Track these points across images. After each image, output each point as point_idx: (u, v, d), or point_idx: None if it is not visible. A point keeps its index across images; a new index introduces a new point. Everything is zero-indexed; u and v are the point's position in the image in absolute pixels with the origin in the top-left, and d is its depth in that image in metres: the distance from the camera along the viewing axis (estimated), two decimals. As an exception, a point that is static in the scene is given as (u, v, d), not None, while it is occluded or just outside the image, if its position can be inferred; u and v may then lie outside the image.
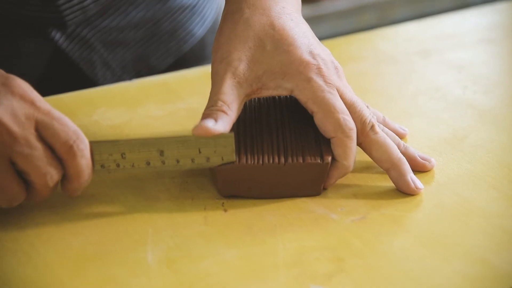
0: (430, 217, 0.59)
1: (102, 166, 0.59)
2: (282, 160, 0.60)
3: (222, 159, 0.60)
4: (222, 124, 0.59)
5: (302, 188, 0.61)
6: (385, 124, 0.67)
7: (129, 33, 0.82)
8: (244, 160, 0.60)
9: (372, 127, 0.62)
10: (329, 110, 0.60)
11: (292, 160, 0.60)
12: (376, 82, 0.83)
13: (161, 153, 0.59)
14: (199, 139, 0.59)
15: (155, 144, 0.59)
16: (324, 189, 0.62)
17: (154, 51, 0.85)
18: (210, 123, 0.59)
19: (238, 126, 0.63)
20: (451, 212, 0.59)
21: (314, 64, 0.62)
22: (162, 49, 0.85)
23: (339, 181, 0.63)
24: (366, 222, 0.59)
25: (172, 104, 0.76)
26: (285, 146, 0.61)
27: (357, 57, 0.88)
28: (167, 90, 0.79)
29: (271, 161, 0.60)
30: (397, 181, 0.62)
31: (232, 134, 0.59)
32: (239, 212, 0.60)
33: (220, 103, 0.60)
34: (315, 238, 0.57)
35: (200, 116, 0.60)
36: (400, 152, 0.63)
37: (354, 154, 0.61)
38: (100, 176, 0.61)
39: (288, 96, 0.68)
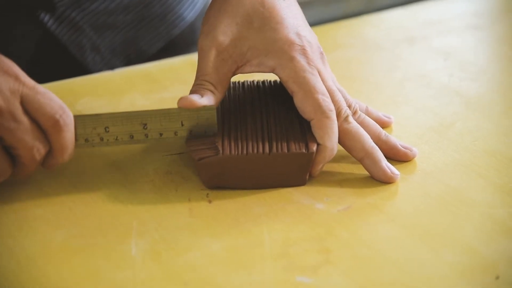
0: (417, 207, 0.59)
1: (86, 140, 0.59)
2: (267, 149, 0.60)
3: (205, 132, 0.60)
4: (207, 100, 0.60)
5: (287, 178, 0.60)
6: (368, 113, 0.67)
7: (119, 17, 0.82)
8: (228, 151, 0.59)
9: (346, 117, 0.62)
10: (309, 90, 0.60)
11: (277, 150, 0.60)
12: (363, 69, 0.83)
13: (144, 126, 0.60)
14: (181, 112, 0.60)
15: (138, 117, 0.60)
16: (311, 177, 0.62)
17: (143, 35, 0.85)
18: (195, 97, 0.60)
19: (222, 116, 0.63)
20: (438, 201, 0.59)
21: (299, 45, 0.62)
22: (152, 33, 0.85)
23: (324, 170, 0.62)
24: (352, 211, 0.58)
25: (156, 94, 0.76)
26: (269, 136, 0.61)
27: (343, 44, 0.88)
28: (151, 79, 0.79)
29: (255, 151, 0.59)
30: (372, 170, 0.61)
31: (215, 107, 0.60)
32: (224, 203, 0.59)
33: (206, 84, 0.61)
34: (302, 229, 0.56)
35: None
36: (381, 141, 0.63)
37: (336, 136, 0.61)
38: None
39: (273, 84, 0.67)
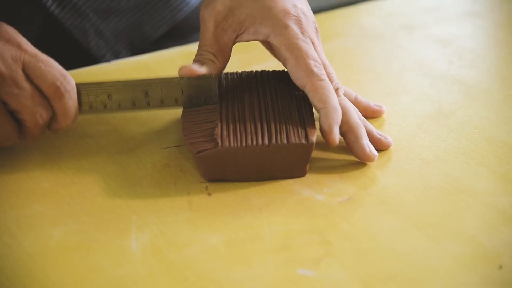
0: (418, 197, 0.58)
1: (91, 107, 0.62)
2: (266, 141, 0.59)
3: (205, 101, 0.62)
4: (207, 69, 0.62)
5: (287, 170, 0.60)
6: (357, 102, 0.67)
7: (122, 1, 0.82)
8: (227, 143, 0.59)
9: (337, 90, 0.62)
10: (301, 56, 0.61)
11: (276, 141, 0.59)
12: (361, 58, 0.82)
13: (146, 94, 0.62)
14: (181, 81, 0.62)
15: (139, 85, 0.62)
16: (331, 149, 0.61)
17: (147, 20, 0.85)
18: (194, 66, 0.62)
19: (220, 108, 0.62)
20: (439, 191, 0.59)
21: (294, 15, 0.63)
22: (156, 18, 0.85)
23: (324, 161, 0.62)
24: (353, 203, 0.58)
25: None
26: (268, 127, 0.60)
27: (341, 33, 0.87)
28: (147, 71, 0.78)
29: (254, 142, 0.59)
30: (353, 145, 0.61)
31: (213, 75, 0.62)
32: (223, 196, 0.59)
33: (206, 53, 0.63)
34: (302, 221, 0.56)
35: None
36: None
37: (334, 94, 0.61)
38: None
39: (270, 74, 0.67)
